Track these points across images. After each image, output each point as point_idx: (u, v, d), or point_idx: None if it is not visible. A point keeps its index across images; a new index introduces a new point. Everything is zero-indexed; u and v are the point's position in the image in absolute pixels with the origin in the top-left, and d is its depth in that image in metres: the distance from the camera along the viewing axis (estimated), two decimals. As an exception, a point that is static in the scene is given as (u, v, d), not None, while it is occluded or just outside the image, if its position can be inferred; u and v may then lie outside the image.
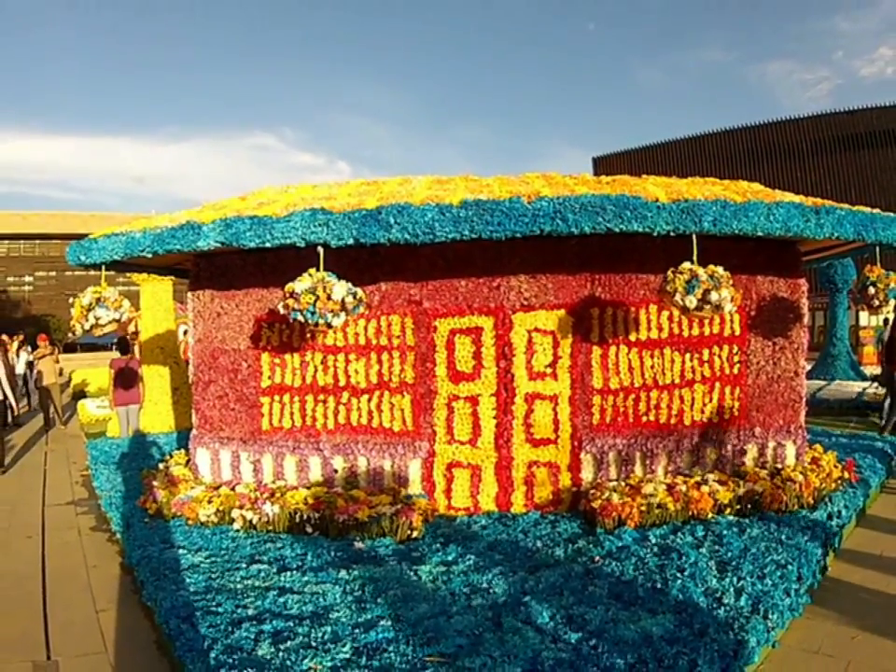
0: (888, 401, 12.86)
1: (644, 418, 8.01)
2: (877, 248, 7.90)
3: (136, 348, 15.63)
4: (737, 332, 8.17)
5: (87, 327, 7.47)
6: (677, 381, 8.04)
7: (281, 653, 4.55)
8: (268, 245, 6.97)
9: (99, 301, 7.39)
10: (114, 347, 19.53)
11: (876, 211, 7.68)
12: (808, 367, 11.58)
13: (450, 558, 6.40)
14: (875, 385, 16.02)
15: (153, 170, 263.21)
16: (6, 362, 14.32)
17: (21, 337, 23.66)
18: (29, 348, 23.00)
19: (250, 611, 5.22)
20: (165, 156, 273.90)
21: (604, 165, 64.88)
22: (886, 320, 16.37)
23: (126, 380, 12.55)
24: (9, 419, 15.20)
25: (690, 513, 7.16)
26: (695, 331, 8.05)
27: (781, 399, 8.30)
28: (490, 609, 5.26)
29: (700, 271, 6.56)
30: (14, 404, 13.66)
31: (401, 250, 7.32)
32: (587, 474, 7.96)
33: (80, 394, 22.00)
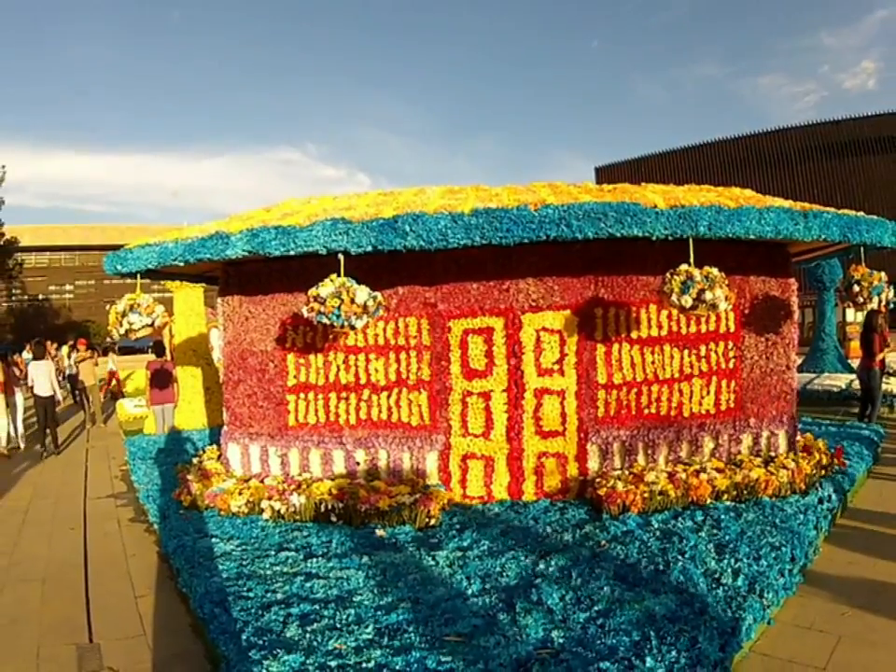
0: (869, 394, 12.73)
1: (646, 411, 7.97)
2: (862, 249, 7.85)
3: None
4: (732, 329, 8.13)
5: (122, 331, 7.50)
6: (676, 375, 8.01)
7: (308, 635, 4.56)
8: (292, 252, 6.99)
9: (132, 308, 7.41)
10: (150, 350, 19.64)
11: (860, 214, 7.65)
12: (799, 361, 11.52)
13: (465, 544, 6.39)
14: (852, 380, 15.77)
15: (188, 183, 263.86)
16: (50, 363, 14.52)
17: (72, 342, 24.27)
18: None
19: (279, 596, 5.23)
20: (199, 170, 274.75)
21: (606, 174, 64.82)
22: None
23: (161, 380, 12.59)
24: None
25: (689, 499, 7.14)
26: (693, 329, 8.02)
27: (774, 391, 8.26)
28: (503, 591, 5.25)
29: (695, 272, 6.54)
30: (60, 399, 14.28)
31: (417, 256, 7.30)
32: (593, 464, 7.93)
33: (119, 394, 22.09)
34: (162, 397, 12.65)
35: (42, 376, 13.38)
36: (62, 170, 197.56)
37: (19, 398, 13.97)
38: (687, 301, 6.51)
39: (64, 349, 24.48)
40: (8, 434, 13.47)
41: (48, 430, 13.35)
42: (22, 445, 13.72)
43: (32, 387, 13.52)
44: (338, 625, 4.71)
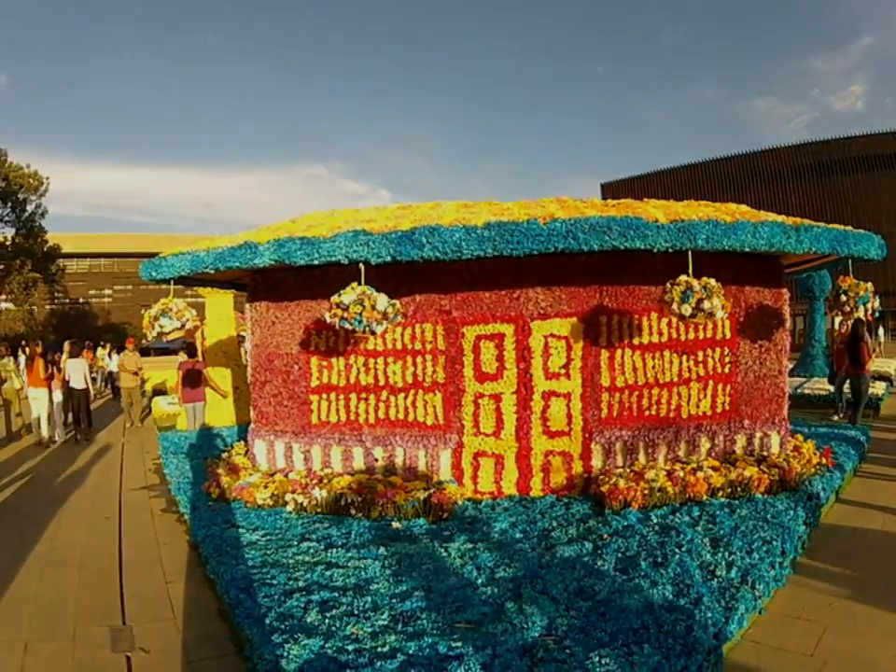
0: (851, 398, 12.64)
1: (646, 412, 7.95)
2: (850, 261, 7.84)
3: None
4: (728, 336, 8.10)
5: (154, 334, 7.54)
6: (675, 379, 7.98)
7: (327, 620, 4.57)
8: (315, 262, 7.00)
9: (164, 312, 7.44)
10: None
11: (849, 228, 7.63)
12: (790, 366, 11.45)
13: (476, 536, 6.37)
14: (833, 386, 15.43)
15: (221, 196, 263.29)
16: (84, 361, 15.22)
17: (112, 344, 24.90)
18: (116, 351, 24.47)
19: (300, 583, 5.24)
20: (232, 184, 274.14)
21: (611, 190, 64.77)
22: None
23: (193, 380, 12.60)
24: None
25: (687, 496, 7.12)
26: (691, 335, 8.00)
27: (767, 394, 8.22)
28: (511, 581, 5.24)
29: (694, 282, 6.53)
30: (91, 392, 15.45)
31: (433, 266, 7.32)
32: (597, 462, 7.91)
33: (158, 391, 22.14)
34: (194, 395, 12.66)
35: (77, 372, 14.30)
36: (103, 182, 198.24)
37: (57, 393, 14.13)
38: (686, 309, 6.51)
39: (107, 349, 25.41)
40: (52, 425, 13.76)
41: (81, 419, 14.17)
42: (59, 438, 13.86)
43: (68, 381, 14.22)
44: (355, 612, 4.72)
